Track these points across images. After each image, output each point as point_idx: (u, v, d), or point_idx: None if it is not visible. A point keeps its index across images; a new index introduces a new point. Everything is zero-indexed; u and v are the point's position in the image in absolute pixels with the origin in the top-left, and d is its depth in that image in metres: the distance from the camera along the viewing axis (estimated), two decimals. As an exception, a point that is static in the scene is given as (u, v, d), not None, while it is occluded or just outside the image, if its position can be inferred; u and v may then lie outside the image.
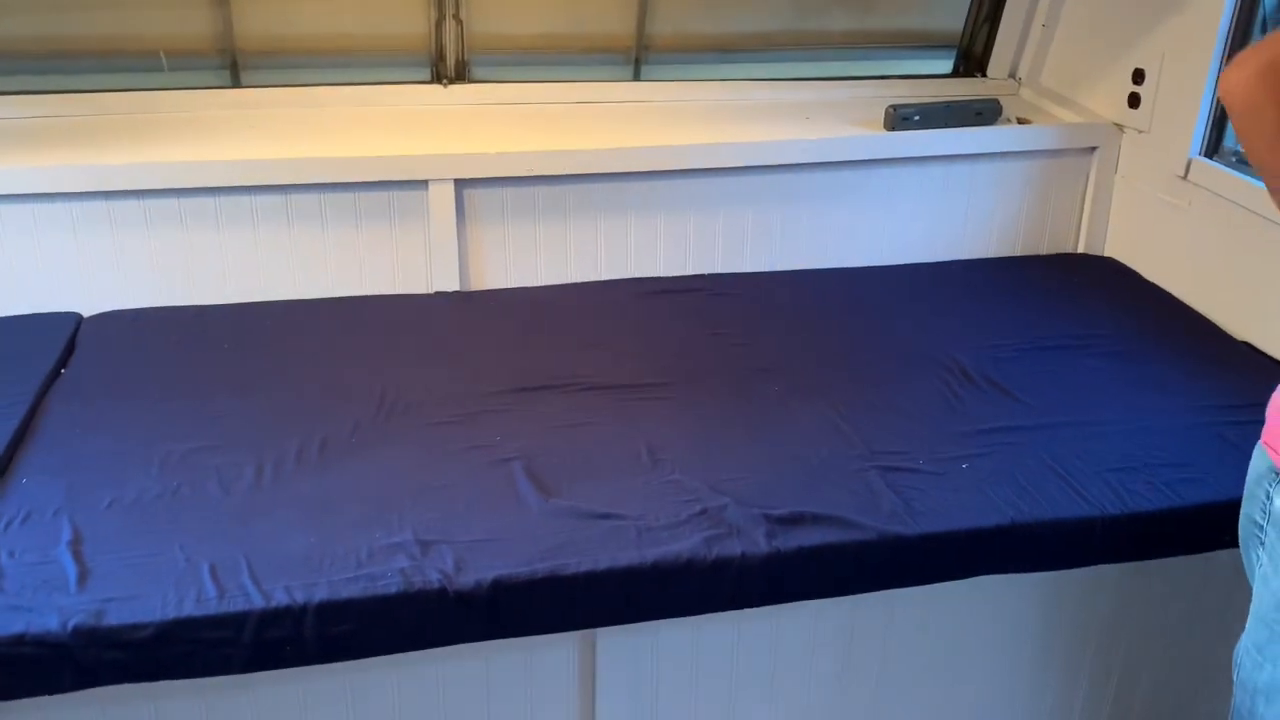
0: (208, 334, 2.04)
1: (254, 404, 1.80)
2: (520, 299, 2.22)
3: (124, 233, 2.13)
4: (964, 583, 1.58)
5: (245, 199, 2.15)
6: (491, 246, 2.27)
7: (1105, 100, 2.46)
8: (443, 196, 2.19)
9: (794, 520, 1.51)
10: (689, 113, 2.49)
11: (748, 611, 1.54)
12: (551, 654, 1.55)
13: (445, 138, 2.28)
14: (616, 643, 1.56)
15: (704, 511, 1.53)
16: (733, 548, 1.46)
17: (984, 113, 2.44)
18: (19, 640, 1.29)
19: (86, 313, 2.12)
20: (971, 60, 2.72)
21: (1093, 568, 1.64)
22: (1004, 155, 2.44)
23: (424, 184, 2.19)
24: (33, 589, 1.36)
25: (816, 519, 1.51)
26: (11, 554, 1.42)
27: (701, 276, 2.32)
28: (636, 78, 2.61)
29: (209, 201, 2.14)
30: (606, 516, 1.52)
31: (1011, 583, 1.63)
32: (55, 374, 1.89)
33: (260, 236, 2.18)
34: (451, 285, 2.26)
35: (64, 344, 1.98)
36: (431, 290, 2.27)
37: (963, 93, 2.60)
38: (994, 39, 2.65)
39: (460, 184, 2.20)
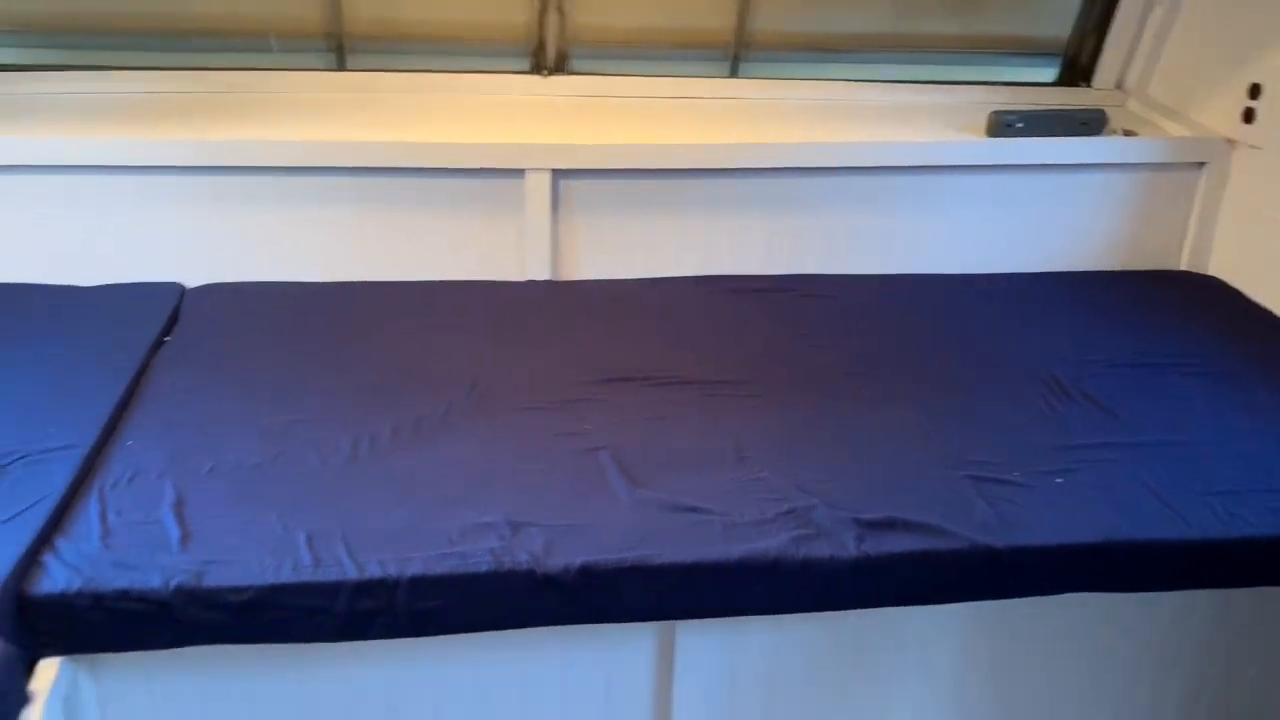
0: (305, 310, 2.08)
1: (350, 380, 1.84)
2: (611, 291, 2.23)
3: (228, 208, 2.18)
4: (1053, 599, 1.55)
5: (347, 180, 2.20)
6: (585, 237, 2.28)
7: (1217, 114, 2.39)
8: (539, 186, 2.21)
9: (884, 525, 1.49)
10: (786, 111, 2.48)
11: (829, 614, 1.53)
12: (631, 642, 1.56)
13: (543, 128, 2.30)
14: (696, 636, 1.55)
15: (791, 511, 1.52)
16: (821, 549, 1.45)
17: (1089, 123, 2.39)
18: (124, 595, 1.34)
19: (189, 284, 2.18)
20: (1077, 69, 2.66)
21: (1186, 591, 1.60)
22: (1109, 167, 2.38)
23: (521, 173, 2.21)
24: (138, 548, 1.40)
25: (907, 525, 1.49)
26: (118, 513, 1.47)
27: (793, 277, 2.31)
28: (734, 74, 2.61)
29: (311, 181, 2.19)
30: (693, 510, 1.52)
31: (1102, 601, 1.59)
32: (159, 342, 1.95)
33: (359, 218, 2.22)
34: (543, 274, 2.28)
35: (168, 314, 2.04)
36: (524, 278, 2.29)
37: (1066, 102, 2.55)
38: (1101, 48, 2.59)
39: (557, 174, 2.22)
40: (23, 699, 1.27)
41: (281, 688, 1.47)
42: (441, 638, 1.47)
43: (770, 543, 1.46)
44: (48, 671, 1.34)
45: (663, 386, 1.86)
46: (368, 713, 1.51)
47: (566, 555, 1.43)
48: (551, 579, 1.40)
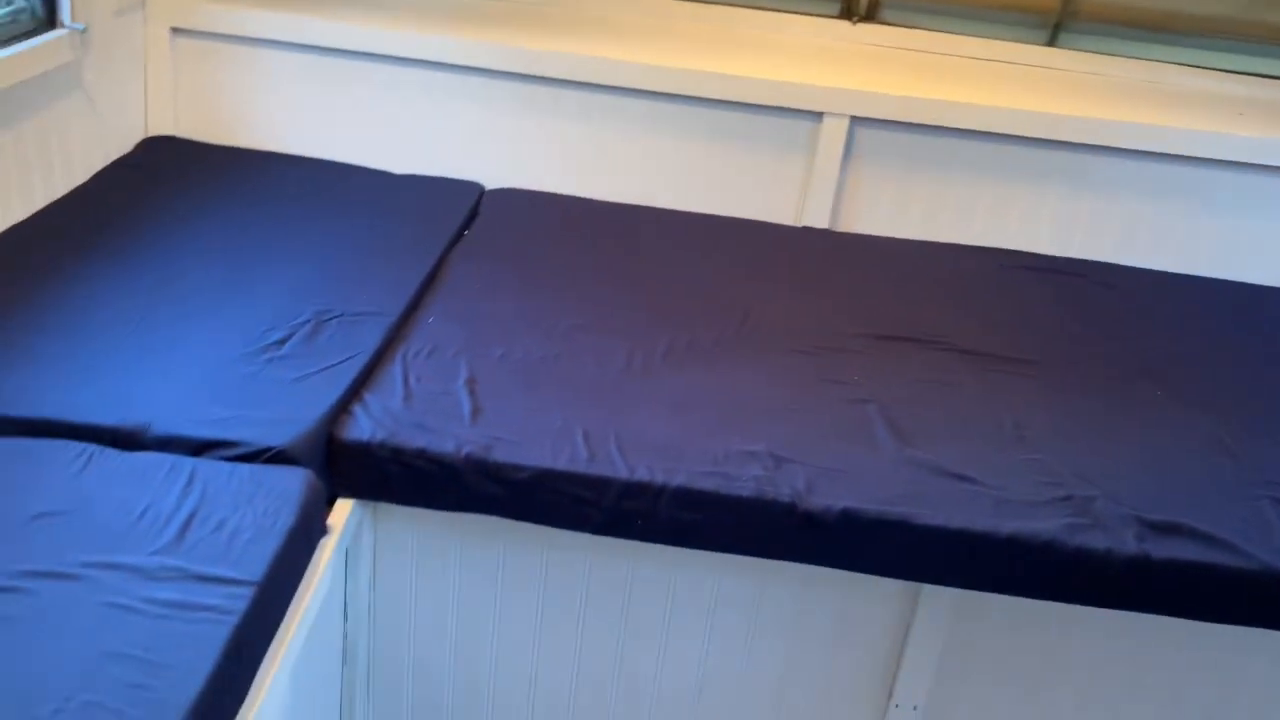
0: (591, 225, 2.16)
1: (629, 297, 1.89)
2: (890, 248, 2.19)
3: (534, 117, 2.28)
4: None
5: (646, 104, 2.24)
6: (871, 190, 2.25)
7: None
8: (835, 132, 2.19)
9: (1169, 529, 1.41)
10: (1103, 88, 2.34)
11: (1084, 608, 1.47)
12: (871, 596, 1.55)
13: (844, 73, 2.26)
14: (942, 603, 1.53)
15: (1069, 498, 1.46)
16: (1097, 540, 1.39)
17: None
18: (420, 454, 1.44)
19: (488, 185, 2.30)
20: None
21: None
22: None
23: (819, 116, 2.19)
24: (434, 414, 1.51)
25: (1195, 534, 1.40)
26: (419, 379, 1.58)
27: (1087, 262, 2.19)
28: (1052, 43, 2.47)
29: (614, 101, 2.25)
30: (964, 479, 1.49)
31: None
32: (459, 235, 2.08)
33: (652, 142, 2.27)
34: (821, 222, 2.27)
35: (468, 210, 2.16)
36: (800, 224, 2.28)
37: None
38: None
39: (855, 121, 2.19)
40: (322, 529, 1.40)
41: (535, 567, 1.55)
42: (691, 551, 1.51)
43: (1043, 525, 1.41)
44: (341, 511, 1.47)
45: (938, 351, 1.82)
46: (604, 608, 1.57)
47: (829, 497, 1.43)
48: (811, 517, 1.41)
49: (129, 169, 2.13)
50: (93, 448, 1.34)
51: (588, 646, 1.60)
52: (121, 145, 2.19)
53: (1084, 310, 1.99)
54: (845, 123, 2.18)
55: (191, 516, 1.25)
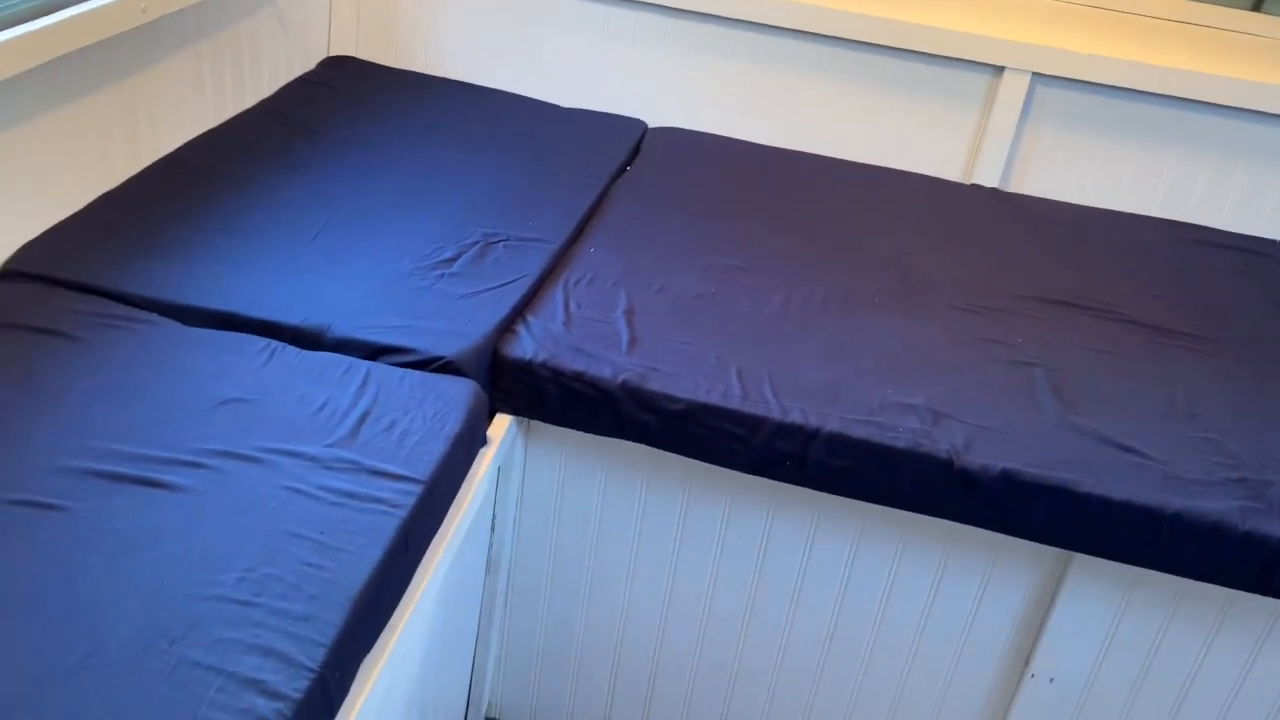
0: (752, 168, 2.14)
1: (787, 243, 1.88)
2: (1062, 213, 2.11)
3: (704, 57, 2.27)
4: None
5: (819, 48, 2.21)
6: (1047, 151, 2.16)
7: None
8: (1015, 87, 2.11)
9: (1353, 522, 1.33)
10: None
11: (1244, 595, 1.41)
12: (1020, 560, 1.51)
13: (1029, 28, 2.17)
14: (1092, 575, 1.48)
15: (1243, 480, 1.39)
16: (1272, 527, 1.33)
17: None
18: (578, 377, 1.48)
19: (651, 123, 2.31)
20: None
21: None
22: None
23: (1000, 70, 2.11)
24: (593, 340, 1.54)
25: (1381, 530, 1.33)
26: (579, 306, 1.61)
27: (1275, 242, 2.06)
28: (1256, 8, 2.31)
29: (786, 44, 2.22)
30: (1129, 450, 1.44)
31: None
32: (622, 170, 2.09)
33: (822, 88, 2.24)
34: (991, 181, 2.20)
35: (632, 146, 2.17)
36: (969, 181, 2.21)
37: None
38: None
39: (1037, 78, 2.10)
40: (483, 440, 1.44)
41: (676, 498, 1.57)
42: (837, 498, 1.51)
43: (1213, 505, 1.35)
44: (498, 425, 1.51)
45: (1107, 320, 1.75)
46: (742, 545, 1.58)
47: (988, 456, 1.40)
48: (968, 475, 1.39)
49: (311, 85, 2.21)
50: (276, 344, 1.41)
51: (721, 580, 1.62)
52: (305, 62, 2.28)
53: (1268, 290, 1.88)
54: (1026, 79, 2.10)
55: (365, 415, 1.31)
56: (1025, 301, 1.78)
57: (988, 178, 2.19)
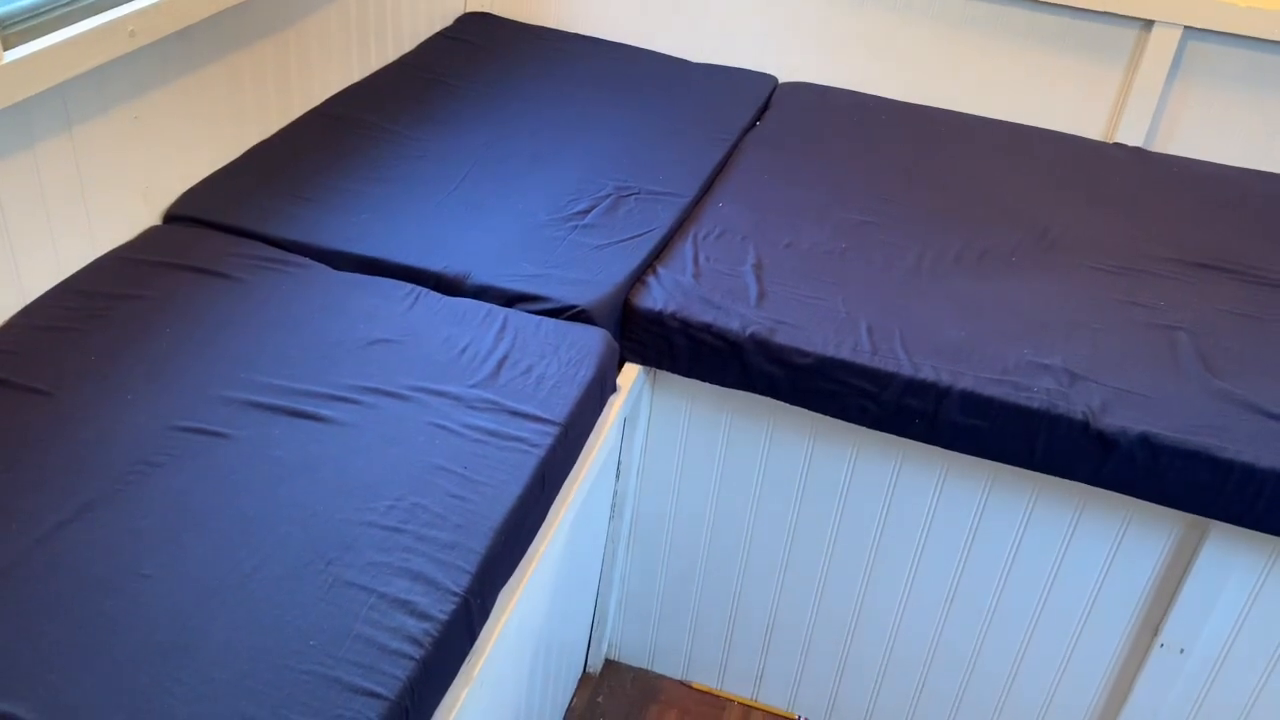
0: (885, 123, 2.12)
1: (922, 199, 1.85)
2: (1207, 173, 2.02)
3: (834, 10, 2.24)
4: None
5: (953, 1, 2.15)
6: (1198, 109, 2.07)
7: None
8: (1164, 42, 2.02)
9: None
10: None
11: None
12: (1154, 525, 1.48)
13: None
14: (1228, 543, 1.44)
15: (1401, 452, 1.33)
16: None
17: None
18: (707, 329, 1.50)
19: (781, 79, 2.29)
20: None
21: None
22: None
23: (1149, 24, 2.03)
24: (722, 292, 1.55)
25: None
26: (708, 259, 1.63)
27: None
28: None
29: (919, -2, 2.17)
30: (1276, 417, 1.39)
31: None
32: (752, 125, 2.09)
33: (955, 42, 2.18)
34: (1135, 140, 2.12)
35: (761, 101, 2.17)
36: (1111, 139, 2.14)
37: None
38: None
39: (1189, 32, 2.01)
40: (613, 387, 1.48)
41: (800, 452, 1.58)
42: (965, 458, 1.50)
43: (1367, 476, 1.30)
44: (628, 374, 1.55)
45: (1254, 284, 1.69)
46: (865, 501, 1.59)
47: (1125, 419, 1.37)
48: (1105, 438, 1.36)
49: (449, 40, 2.26)
50: (420, 289, 1.47)
51: (843, 536, 1.63)
52: (444, 18, 2.34)
53: None
54: (1178, 33, 2.01)
55: (504, 359, 1.36)
56: (1168, 264, 1.72)
57: (1131, 136, 2.11)
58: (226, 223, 1.56)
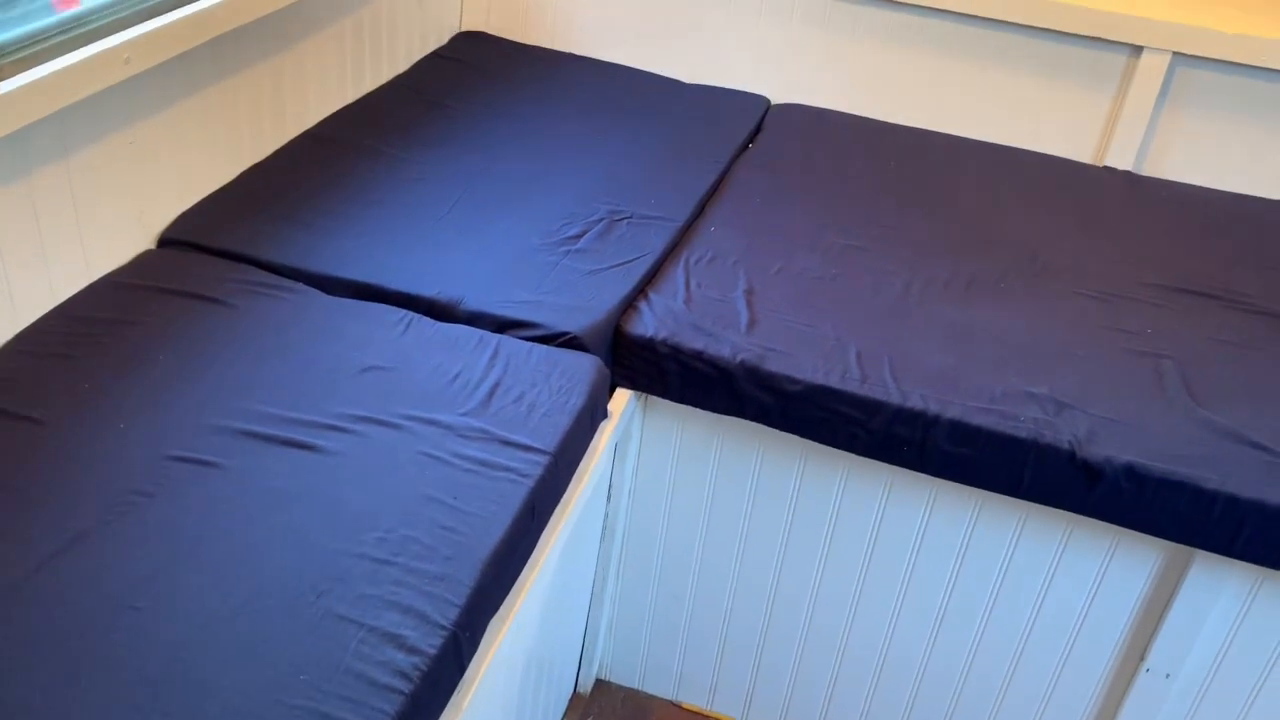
0: (876, 146, 2.13)
1: (912, 223, 1.87)
2: (1197, 198, 2.04)
3: (828, 34, 2.25)
4: None
5: (946, 25, 2.17)
6: (1185, 134, 2.09)
7: None
8: (1153, 68, 2.04)
9: None
10: None
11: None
12: (1140, 553, 1.49)
13: (1169, 6, 2.09)
14: (1216, 572, 1.46)
15: (1383, 484, 1.35)
16: None
17: None
18: (698, 356, 1.51)
19: (774, 100, 2.31)
20: None
21: None
22: None
23: (1137, 50, 2.05)
24: (712, 319, 1.56)
25: None
26: (699, 285, 1.64)
27: None
28: None
29: (912, 20, 2.18)
30: (1262, 448, 1.40)
31: None
32: (745, 146, 2.10)
33: (946, 66, 2.20)
34: (1125, 164, 2.14)
35: (754, 123, 2.18)
36: (1101, 163, 2.16)
37: None
38: None
39: (1177, 58, 2.03)
40: (604, 413, 1.49)
41: (789, 478, 1.59)
42: (953, 485, 1.51)
43: (1350, 508, 1.31)
44: (619, 399, 1.56)
45: (1243, 312, 1.70)
46: (853, 528, 1.60)
47: (1111, 448, 1.39)
48: (1091, 467, 1.38)
49: (444, 60, 2.27)
50: (412, 315, 1.48)
51: (832, 562, 1.64)
52: (439, 37, 2.35)
53: None
54: (1166, 59, 2.03)
55: (495, 386, 1.37)
56: (1156, 290, 1.74)
57: (1121, 160, 2.13)
58: (220, 247, 1.57)
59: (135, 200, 1.54)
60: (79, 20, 1.39)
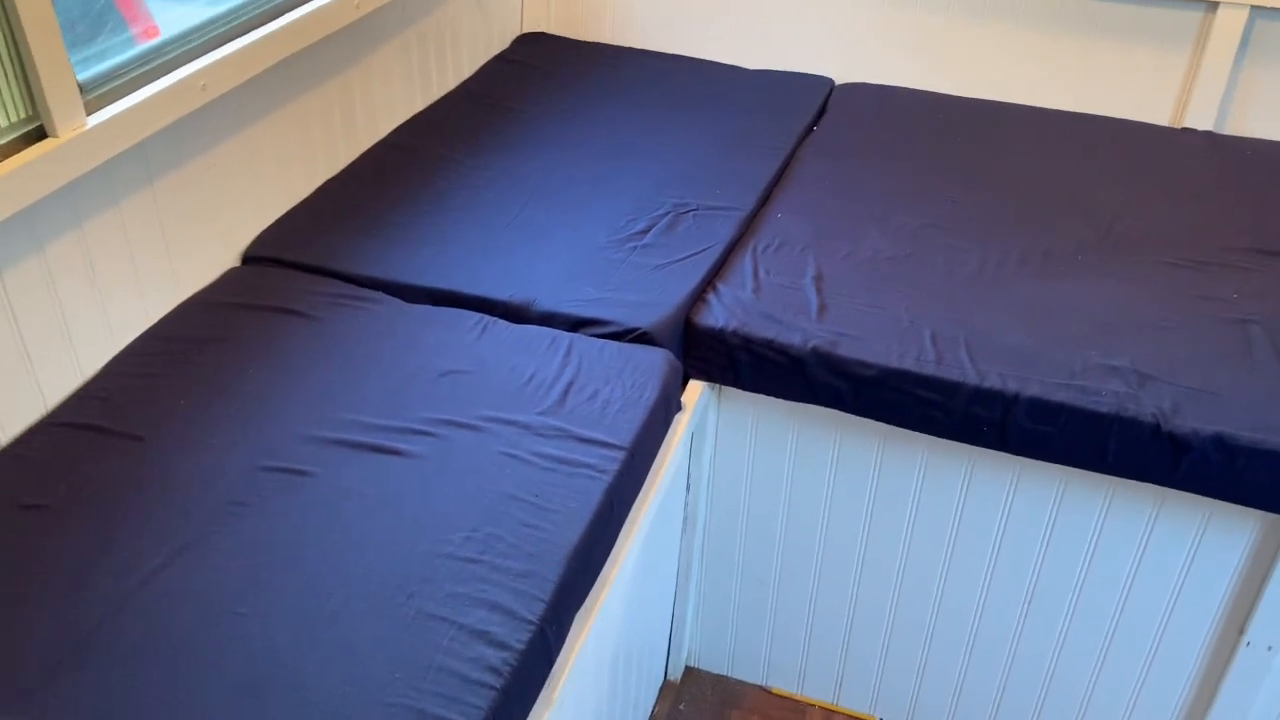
0: (946, 121, 2.10)
1: (983, 198, 1.84)
2: (1284, 154, 1.97)
3: (888, 8, 2.23)
4: None
5: (1012, -7, 2.13)
6: (1267, 90, 2.02)
7: None
8: (1232, 23, 1.97)
9: None
10: None
11: None
12: (1233, 525, 1.45)
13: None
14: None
15: None
16: None
17: None
18: (769, 344, 1.51)
19: (838, 80, 2.29)
20: None
21: None
22: None
23: (1214, 6, 1.98)
24: (783, 306, 1.56)
25: None
26: (768, 273, 1.64)
27: None
28: None
29: (976, -9, 2.15)
30: (1359, 412, 1.35)
31: None
32: (809, 130, 2.09)
33: (1016, 33, 2.16)
34: (1205, 124, 2.07)
35: (819, 105, 2.17)
36: (1179, 125, 2.09)
37: None
38: None
39: (1256, 12, 1.96)
40: (678, 406, 1.50)
41: (869, 462, 1.59)
42: (1037, 463, 1.49)
43: None
44: (692, 391, 1.57)
45: (1336, 271, 1.64)
46: (937, 509, 1.59)
47: (1197, 420, 1.35)
48: (1177, 440, 1.35)
49: (508, 63, 2.31)
50: (488, 318, 1.51)
51: (916, 542, 1.63)
52: (501, 41, 2.38)
53: None
54: (1244, 13, 1.96)
55: (570, 385, 1.39)
56: (1241, 254, 1.69)
57: (1200, 120, 2.07)
58: (300, 261, 1.63)
59: (218, 220, 1.61)
60: (159, 51, 1.45)
